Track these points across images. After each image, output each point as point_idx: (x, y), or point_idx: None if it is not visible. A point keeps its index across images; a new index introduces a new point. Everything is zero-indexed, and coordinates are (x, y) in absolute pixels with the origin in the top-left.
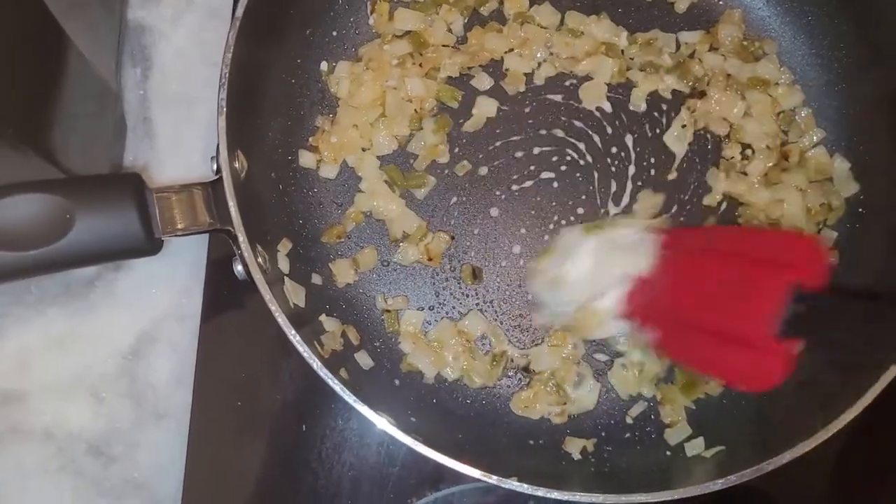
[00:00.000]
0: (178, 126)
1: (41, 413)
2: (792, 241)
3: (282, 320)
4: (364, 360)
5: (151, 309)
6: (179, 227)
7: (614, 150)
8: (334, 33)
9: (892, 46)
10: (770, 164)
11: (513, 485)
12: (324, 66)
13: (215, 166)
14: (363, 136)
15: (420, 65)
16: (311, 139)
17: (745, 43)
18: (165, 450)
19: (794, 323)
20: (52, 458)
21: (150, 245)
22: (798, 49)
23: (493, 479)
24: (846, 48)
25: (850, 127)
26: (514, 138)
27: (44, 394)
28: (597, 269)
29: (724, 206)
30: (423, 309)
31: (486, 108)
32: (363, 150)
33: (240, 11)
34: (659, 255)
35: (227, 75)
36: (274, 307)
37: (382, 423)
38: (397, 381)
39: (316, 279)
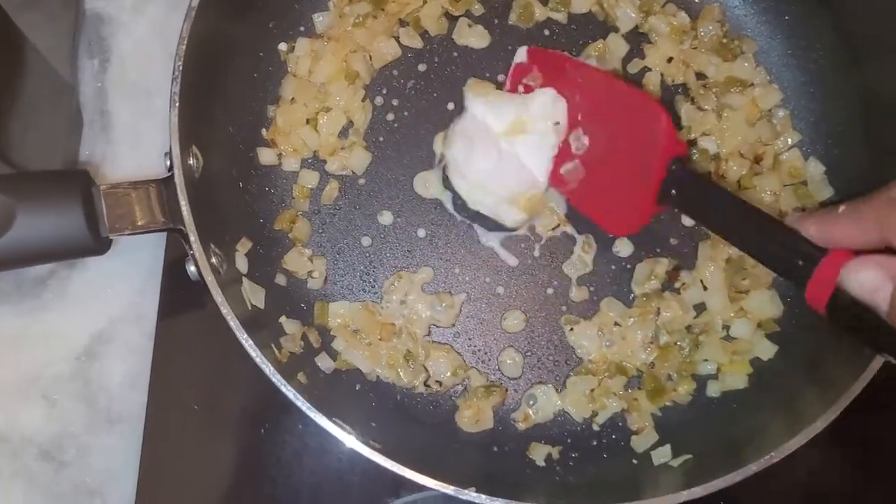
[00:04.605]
0: (136, 119)
1: None
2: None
3: (234, 323)
4: (325, 363)
5: (106, 309)
6: (129, 225)
7: None
8: (294, 14)
9: (868, 49)
10: (744, 172)
11: (471, 496)
12: (283, 46)
13: (168, 162)
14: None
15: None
16: (264, 132)
17: (724, 41)
18: (118, 455)
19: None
20: (5, 462)
21: (96, 244)
22: (774, 50)
23: (450, 490)
24: (823, 49)
25: (826, 130)
26: None
27: None
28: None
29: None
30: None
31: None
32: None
33: (195, 1)
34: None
35: (180, 68)
36: (225, 309)
37: (337, 431)
38: (358, 386)
39: (280, 279)
